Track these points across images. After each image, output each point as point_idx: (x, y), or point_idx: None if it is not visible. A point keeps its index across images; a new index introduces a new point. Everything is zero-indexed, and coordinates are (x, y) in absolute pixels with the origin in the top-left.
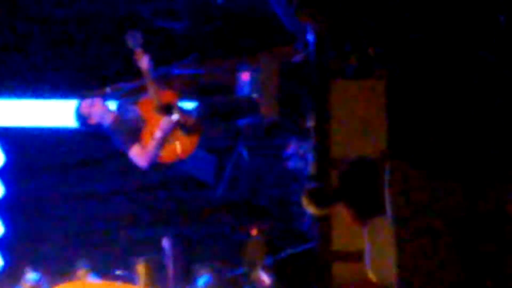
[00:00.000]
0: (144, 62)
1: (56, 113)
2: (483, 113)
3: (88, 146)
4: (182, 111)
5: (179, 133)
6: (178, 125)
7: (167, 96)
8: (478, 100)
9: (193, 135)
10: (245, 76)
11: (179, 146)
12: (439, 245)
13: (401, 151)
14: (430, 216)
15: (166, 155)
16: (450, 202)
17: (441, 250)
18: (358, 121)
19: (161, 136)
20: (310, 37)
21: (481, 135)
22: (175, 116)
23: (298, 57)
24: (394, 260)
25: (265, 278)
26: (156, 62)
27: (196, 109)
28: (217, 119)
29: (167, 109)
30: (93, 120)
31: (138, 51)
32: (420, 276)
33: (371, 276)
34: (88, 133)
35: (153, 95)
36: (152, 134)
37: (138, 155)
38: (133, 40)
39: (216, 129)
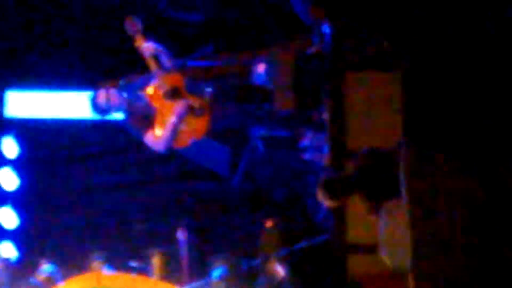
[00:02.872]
0: (146, 48)
1: (72, 104)
2: (497, 98)
3: (104, 138)
4: (190, 92)
5: (189, 115)
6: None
7: (174, 80)
8: (491, 85)
9: (203, 116)
10: (260, 68)
11: (190, 129)
12: (455, 228)
13: (417, 137)
14: (446, 198)
15: (179, 140)
16: (466, 184)
17: (457, 233)
18: (373, 113)
19: (177, 121)
20: (326, 29)
21: (495, 117)
22: (185, 100)
23: (313, 49)
24: (409, 244)
25: (280, 270)
26: (171, 54)
27: (207, 90)
28: (230, 102)
29: (175, 94)
30: (111, 112)
31: (139, 37)
32: (435, 260)
33: (386, 261)
34: (104, 125)
35: (160, 81)
36: (163, 120)
37: (154, 140)
38: (132, 27)
39: (228, 112)
